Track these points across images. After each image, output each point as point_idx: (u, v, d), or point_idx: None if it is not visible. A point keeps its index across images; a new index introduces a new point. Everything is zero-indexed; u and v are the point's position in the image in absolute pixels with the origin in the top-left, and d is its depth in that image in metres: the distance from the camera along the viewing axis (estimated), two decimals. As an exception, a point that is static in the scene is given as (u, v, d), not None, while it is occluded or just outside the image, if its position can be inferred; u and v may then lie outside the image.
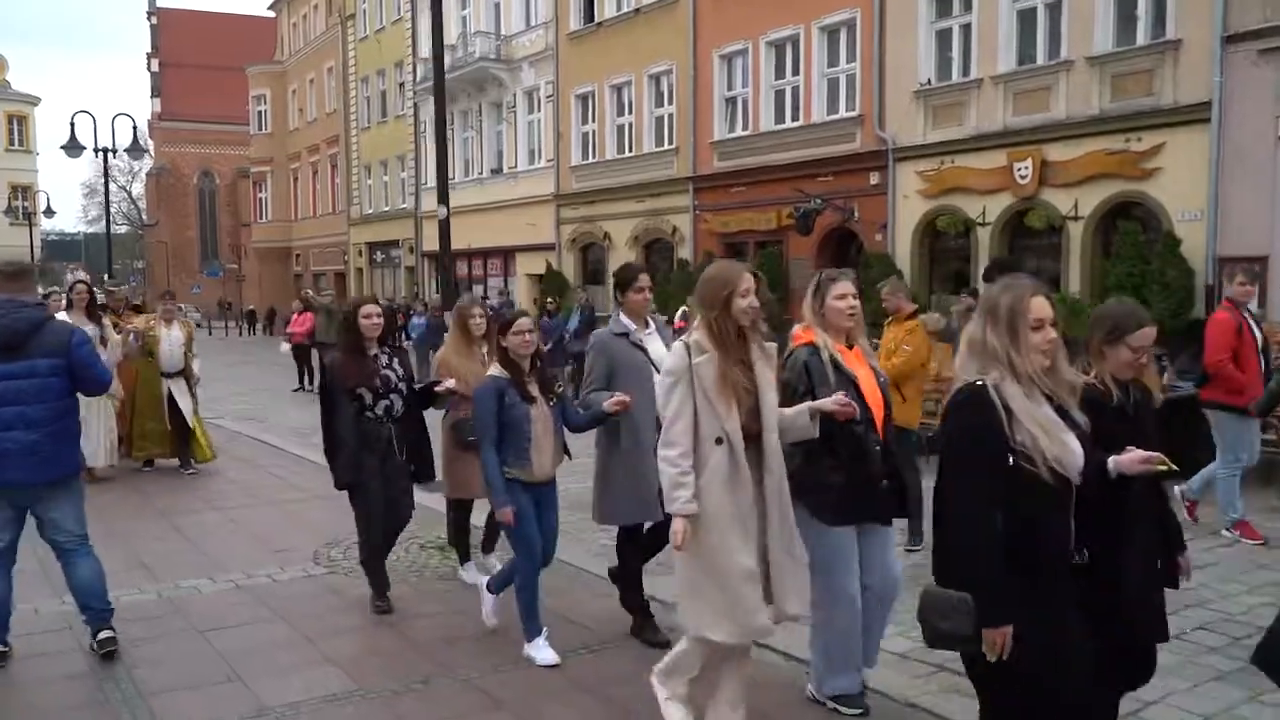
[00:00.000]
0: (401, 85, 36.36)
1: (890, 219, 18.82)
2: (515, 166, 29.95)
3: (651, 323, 5.13)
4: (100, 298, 10.01)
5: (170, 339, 9.45)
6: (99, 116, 17.88)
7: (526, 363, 4.78)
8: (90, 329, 7.83)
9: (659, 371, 4.65)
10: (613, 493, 4.97)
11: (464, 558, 6.20)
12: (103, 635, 4.87)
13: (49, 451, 4.55)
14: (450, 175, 33.21)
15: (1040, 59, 16.41)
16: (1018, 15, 16.70)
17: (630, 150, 25.37)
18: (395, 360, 5.57)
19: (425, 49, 33.68)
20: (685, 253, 23.67)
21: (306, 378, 18.76)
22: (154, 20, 68.14)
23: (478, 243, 31.86)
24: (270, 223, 48.19)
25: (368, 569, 5.57)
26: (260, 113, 47.65)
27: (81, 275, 8.65)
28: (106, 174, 19.76)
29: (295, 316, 18.95)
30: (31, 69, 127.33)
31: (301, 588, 5.86)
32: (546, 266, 28.00)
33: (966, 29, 17.46)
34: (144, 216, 61.78)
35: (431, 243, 35.02)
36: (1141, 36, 15.10)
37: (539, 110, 29.03)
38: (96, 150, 18.28)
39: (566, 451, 5.04)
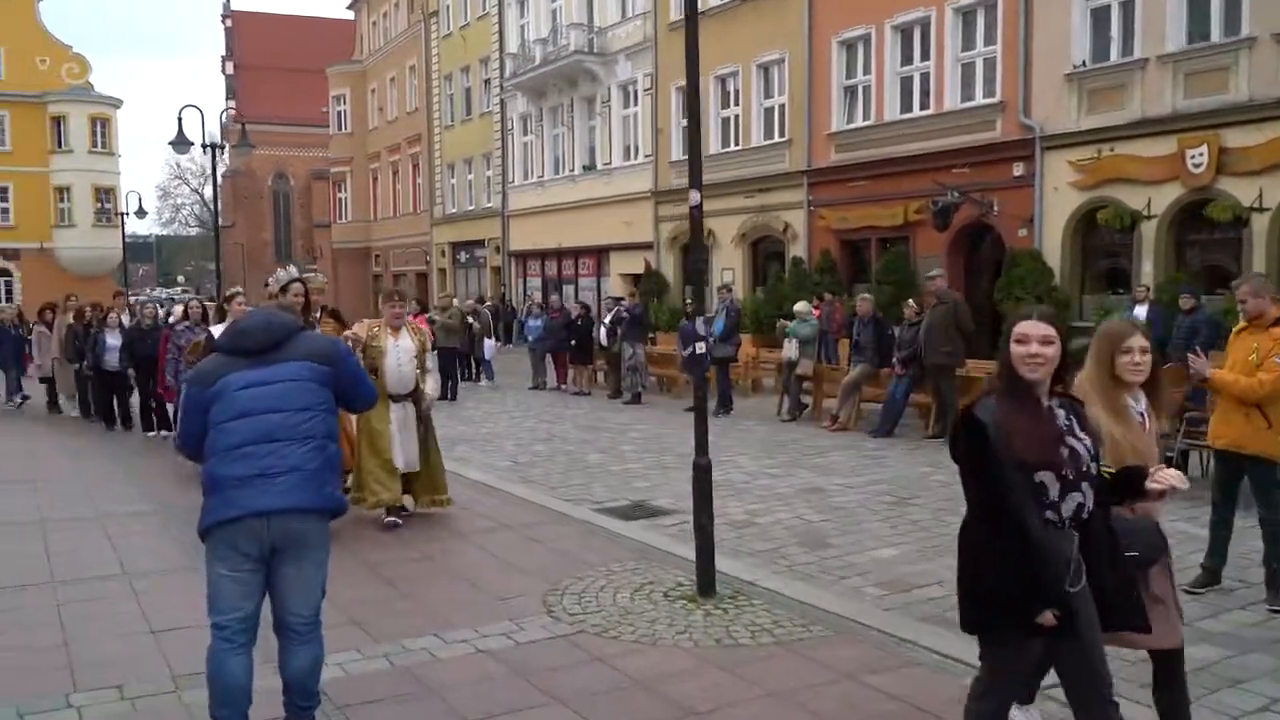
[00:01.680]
0: (487, 82, 35.64)
1: (1036, 213, 17.52)
2: (610, 163, 29.01)
3: None
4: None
5: (398, 352, 7.36)
6: (176, 117, 17.55)
7: None
8: None
9: None
10: None
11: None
12: None
13: (316, 469, 3.69)
14: (540, 172, 32.81)
15: (1215, 36, 15.05)
16: (1189, -10, 15.35)
17: (737, 144, 24.30)
18: (1074, 418, 3.13)
19: (512, 44, 32.97)
20: (799, 250, 22.55)
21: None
22: (228, 23, 68.56)
23: (569, 242, 31.07)
24: (350, 223, 47.86)
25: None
26: (340, 113, 47.32)
27: (294, 273, 6.97)
28: (214, 169, 19.19)
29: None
30: (110, 73, 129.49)
31: (555, 654, 4.87)
32: (645, 266, 27.04)
33: (1127, 6, 16.13)
34: (219, 219, 62.00)
35: (518, 242, 34.36)
36: (1341, 8, 13.70)
37: (635, 104, 28.05)
38: (205, 146, 17.71)
39: None
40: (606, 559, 6.52)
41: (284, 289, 6.59)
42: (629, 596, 5.71)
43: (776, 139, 23.11)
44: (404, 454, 7.45)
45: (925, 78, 19.55)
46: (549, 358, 18.74)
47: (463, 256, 38.82)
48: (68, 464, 11.20)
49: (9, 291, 45.93)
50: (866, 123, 20.82)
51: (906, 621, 5.27)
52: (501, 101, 34.25)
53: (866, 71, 20.81)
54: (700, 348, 5.86)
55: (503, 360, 22.46)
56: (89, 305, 14.97)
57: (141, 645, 5.16)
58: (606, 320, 16.88)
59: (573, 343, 17.63)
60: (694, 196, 5.69)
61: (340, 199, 48.63)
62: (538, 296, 31.27)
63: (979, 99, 18.54)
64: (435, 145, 39.61)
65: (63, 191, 47.62)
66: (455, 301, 20.23)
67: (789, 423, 13.24)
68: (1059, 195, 17.17)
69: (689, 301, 14.86)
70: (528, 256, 34.33)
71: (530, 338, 19.33)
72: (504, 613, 5.49)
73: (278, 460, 3.61)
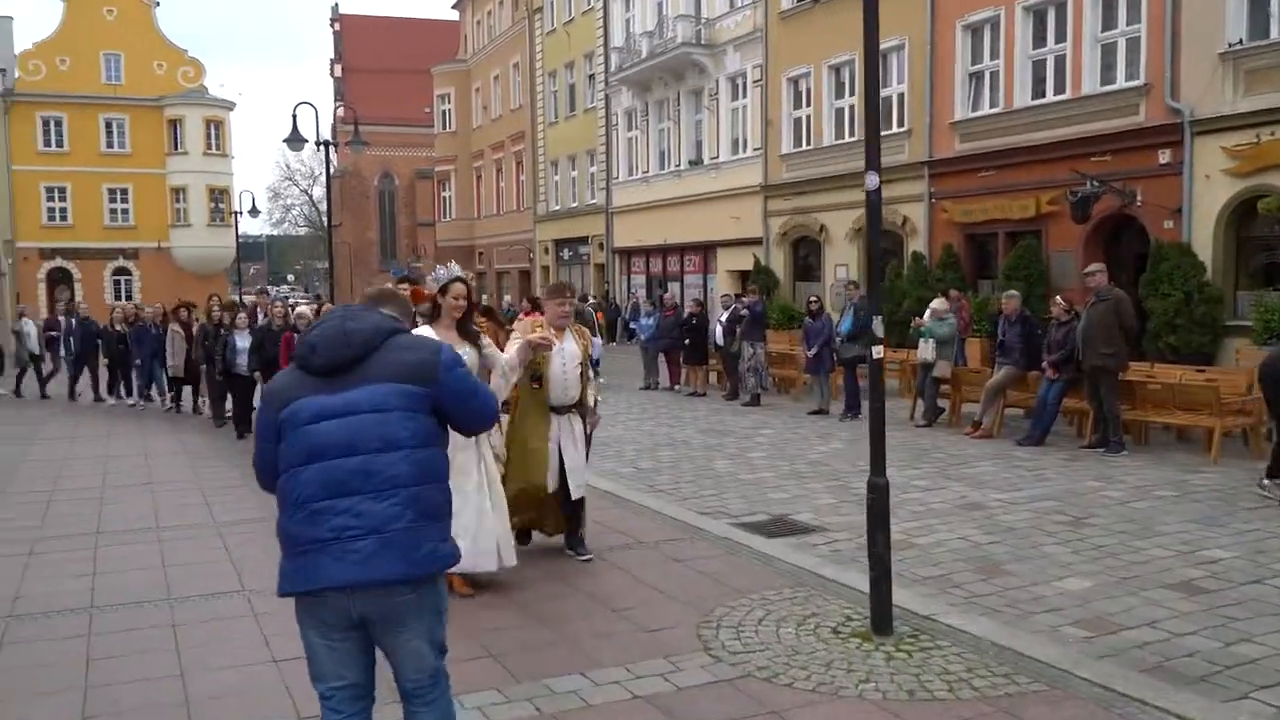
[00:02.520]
0: (591, 77, 35.29)
1: (1185, 203, 16.26)
2: (717, 157, 28.34)
3: None
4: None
5: (564, 357, 6.26)
6: (291, 114, 17.32)
7: None
8: (466, 353, 5.38)
9: None
10: None
11: None
12: None
13: (406, 528, 2.89)
14: (645, 168, 32.34)
15: (1397, 7, 13.68)
16: (1367, -45, 13.98)
17: (851, 135, 23.38)
18: None
19: (618, 38, 32.52)
20: (919, 245, 21.56)
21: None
22: (337, 27, 69.91)
23: (674, 238, 30.53)
24: (453, 221, 48.15)
25: None
26: (444, 111, 47.63)
27: (457, 271, 5.84)
28: (328, 166, 19.09)
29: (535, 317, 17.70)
30: (221, 77, 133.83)
31: (723, 703, 4.25)
32: (755, 262, 26.31)
33: (1292, -23, 14.81)
34: (326, 220, 63.32)
35: (622, 239, 33.94)
36: None
37: (744, 96, 27.32)
38: (318, 143, 17.64)
39: None
40: (758, 584, 5.88)
41: (444, 290, 5.82)
42: (793, 632, 5.06)
43: (895, 129, 22.11)
44: (574, 477, 6.40)
45: (1060, 60, 18.39)
46: (661, 357, 18.15)
47: (566, 254, 38.58)
48: (186, 466, 11.03)
49: (129, 290, 47.40)
50: (994, 110, 19.74)
51: (1127, 673, 4.50)
52: (606, 97, 33.86)
53: (994, 56, 19.72)
54: (878, 351, 5.17)
55: (609, 359, 21.99)
56: (219, 304, 14.33)
57: (263, 678, 4.72)
58: (723, 318, 16.21)
59: (687, 342, 17.01)
60: (872, 180, 4.99)
61: (444, 197, 48.96)
62: (643, 294, 30.89)
63: (1121, 82, 17.33)
64: (539, 142, 39.46)
65: (179, 192, 48.95)
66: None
67: (924, 428, 12.40)
68: (1211, 184, 15.90)
69: (814, 299, 14.09)
70: (632, 253, 33.88)
71: (643, 336, 18.77)
72: (655, 648, 4.90)
73: (353, 519, 2.86)
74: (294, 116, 16.74)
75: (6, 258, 37.95)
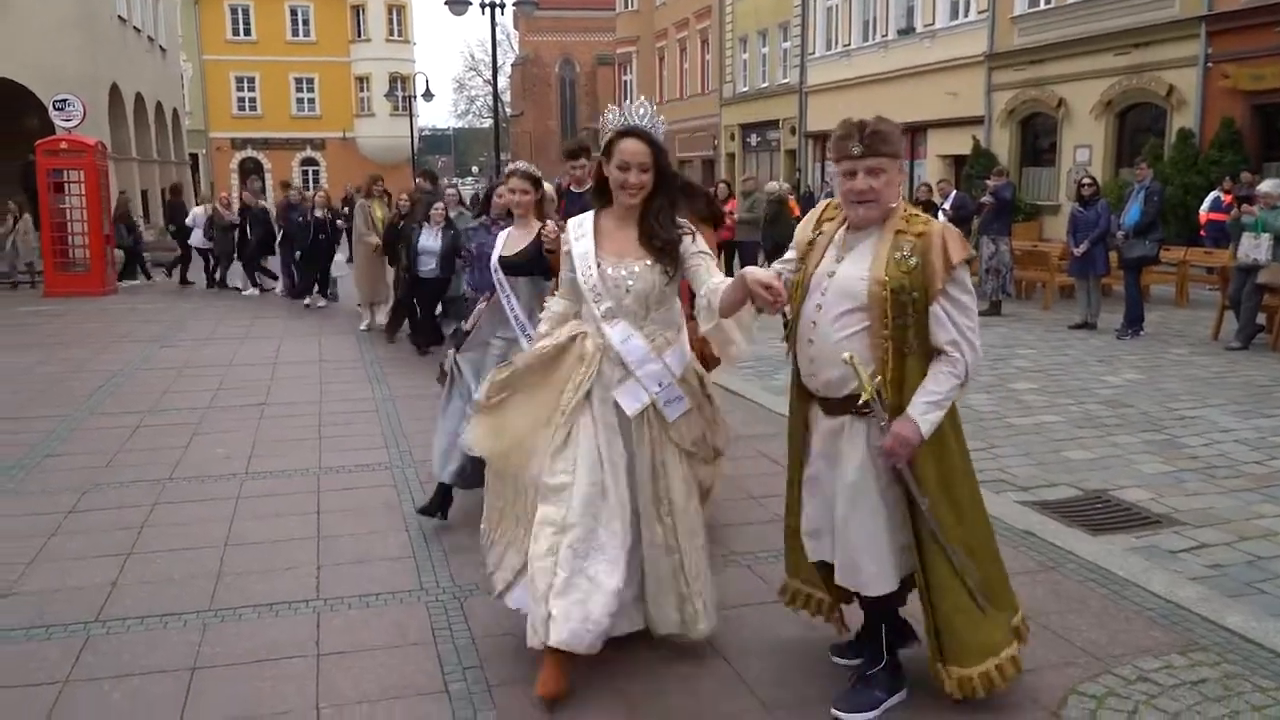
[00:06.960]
0: (788, -61, 31.79)
1: None
2: (932, 24, 24.77)
3: None
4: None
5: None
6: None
7: None
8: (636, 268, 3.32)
9: None
10: None
11: None
12: None
13: None
14: (846, 41, 28.89)
15: None
16: None
17: (1106, -13, 19.57)
18: None
19: (819, -109, 28.88)
20: (1187, 120, 17.84)
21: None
22: (518, -94, 67.59)
23: (879, 119, 27.20)
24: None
25: None
26: (627, -13, 44.93)
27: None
28: (494, 27, 17.25)
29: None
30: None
31: None
32: (974, 145, 22.93)
33: None
34: (508, 109, 62.09)
35: (817, 122, 30.77)
36: None
37: (969, -51, 23.56)
38: (484, 6, 15.59)
39: None
40: (1116, 636, 3.53)
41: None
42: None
43: (1163, -22, 18.28)
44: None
45: None
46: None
47: (753, 139, 35.68)
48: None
49: (316, 179, 47.59)
50: (1304, -55, 15.73)
51: None
52: (804, -41, 30.42)
53: (1309, -126, 15.61)
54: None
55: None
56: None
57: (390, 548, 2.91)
58: (946, 205, 13.23)
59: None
60: None
61: (625, 81, 46.54)
62: (838, 183, 27.86)
63: None
64: (726, 16, 36.32)
65: (363, 81, 48.46)
66: (775, 185, 17.03)
67: (1238, 351, 9.46)
68: None
69: (1088, 180, 11.01)
70: (827, 138, 30.65)
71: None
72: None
73: None
74: (455, -26, 14.79)
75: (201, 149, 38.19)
